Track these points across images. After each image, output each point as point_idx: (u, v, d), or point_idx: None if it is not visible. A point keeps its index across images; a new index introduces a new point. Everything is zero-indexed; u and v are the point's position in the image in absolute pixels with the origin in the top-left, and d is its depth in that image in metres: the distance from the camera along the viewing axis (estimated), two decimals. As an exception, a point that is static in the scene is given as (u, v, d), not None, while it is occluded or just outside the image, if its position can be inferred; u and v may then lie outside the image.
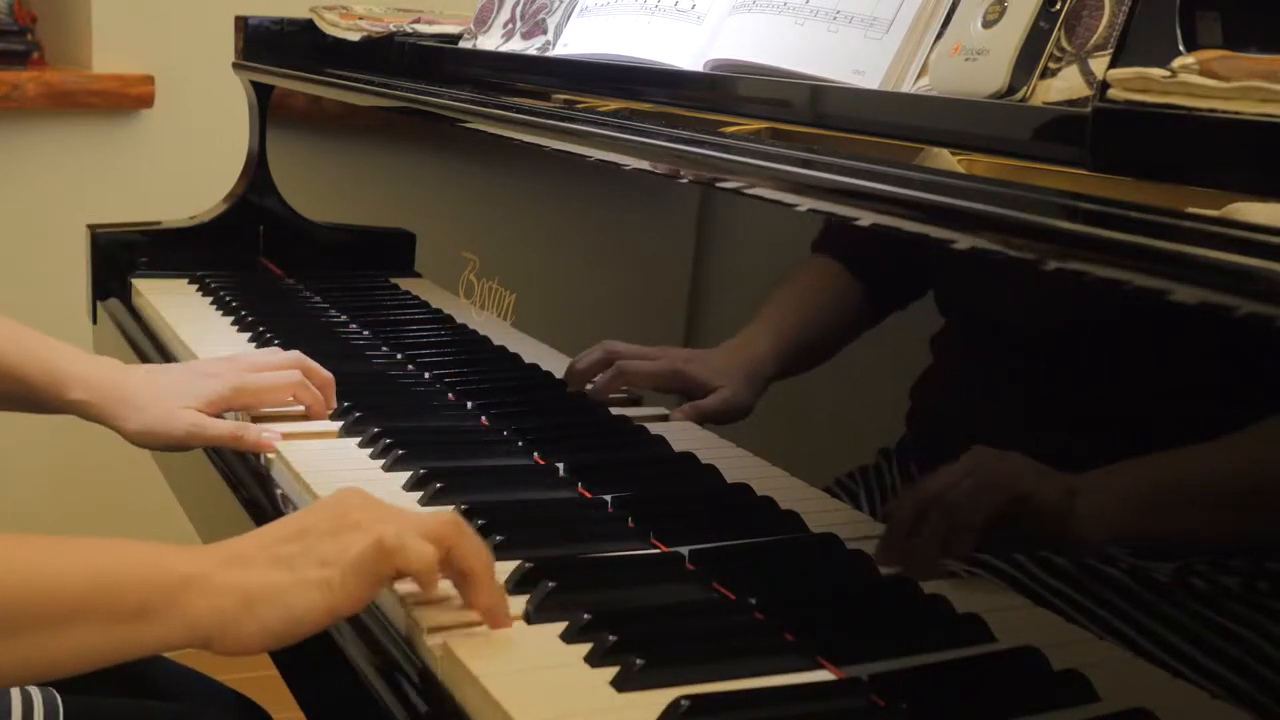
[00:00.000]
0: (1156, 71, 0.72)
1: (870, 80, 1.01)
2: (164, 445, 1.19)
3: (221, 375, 1.20)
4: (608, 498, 1.04)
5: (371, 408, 1.23)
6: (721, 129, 1.03)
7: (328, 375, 1.24)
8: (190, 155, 2.42)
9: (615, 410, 1.11)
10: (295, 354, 1.25)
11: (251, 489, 1.13)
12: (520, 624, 0.84)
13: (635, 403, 1.09)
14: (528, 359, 1.26)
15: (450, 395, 1.31)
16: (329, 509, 0.84)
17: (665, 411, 1.05)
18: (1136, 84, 0.73)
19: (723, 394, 0.98)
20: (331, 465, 1.12)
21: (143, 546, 0.81)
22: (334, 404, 1.23)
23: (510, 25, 1.53)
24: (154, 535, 0.92)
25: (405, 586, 0.85)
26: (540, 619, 0.85)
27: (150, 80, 2.39)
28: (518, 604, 0.87)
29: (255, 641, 0.79)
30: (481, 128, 1.30)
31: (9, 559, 0.76)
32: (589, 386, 1.13)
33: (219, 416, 1.19)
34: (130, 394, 1.17)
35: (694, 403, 1.01)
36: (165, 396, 1.17)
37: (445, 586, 0.84)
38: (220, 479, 1.17)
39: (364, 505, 0.84)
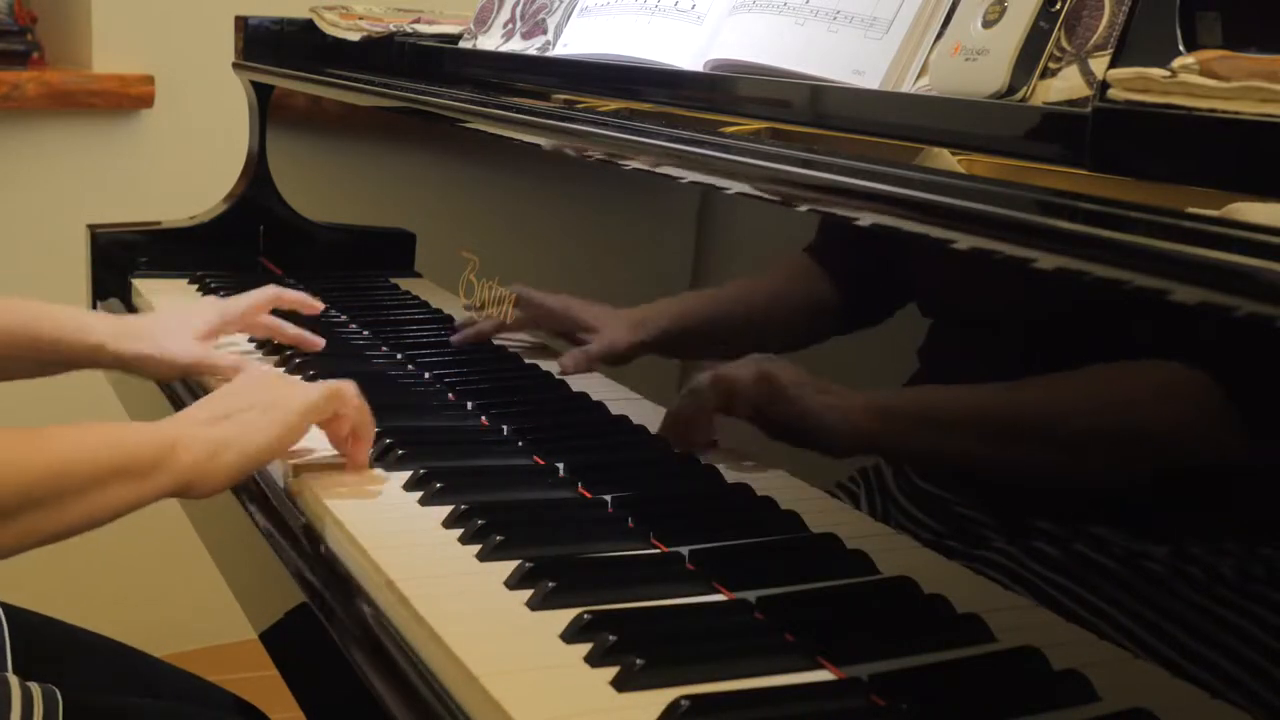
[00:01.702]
0: (1156, 71, 0.72)
1: (870, 80, 1.01)
2: (176, 374, 1.35)
3: (208, 307, 1.41)
4: (608, 498, 1.04)
5: (371, 408, 1.22)
6: (721, 129, 1.03)
7: (299, 294, 1.43)
8: (190, 155, 2.42)
9: (615, 410, 1.11)
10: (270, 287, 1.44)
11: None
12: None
13: (633, 399, 1.09)
14: (528, 359, 1.26)
15: (450, 395, 1.31)
16: (254, 382, 1.10)
17: (664, 410, 1.05)
18: (1136, 84, 0.73)
19: (603, 337, 1.11)
20: (330, 463, 1.12)
21: (132, 424, 1.11)
22: (319, 343, 1.41)
23: (510, 25, 1.53)
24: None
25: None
26: (539, 618, 0.85)
27: (150, 80, 2.39)
28: (518, 600, 0.87)
29: (224, 480, 1.02)
30: (481, 128, 1.30)
31: (66, 441, 0.96)
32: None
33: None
34: (144, 331, 1.34)
35: (581, 349, 1.13)
36: (174, 330, 1.34)
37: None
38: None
39: (278, 381, 1.12)
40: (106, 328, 1.32)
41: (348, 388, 1.10)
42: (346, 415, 1.09)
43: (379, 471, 1.10)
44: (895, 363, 0.85)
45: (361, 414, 1.10)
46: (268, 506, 1.10)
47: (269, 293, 1.42)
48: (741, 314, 1.00)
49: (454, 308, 1.41)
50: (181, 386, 1.38)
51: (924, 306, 0.84)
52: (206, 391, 1.29)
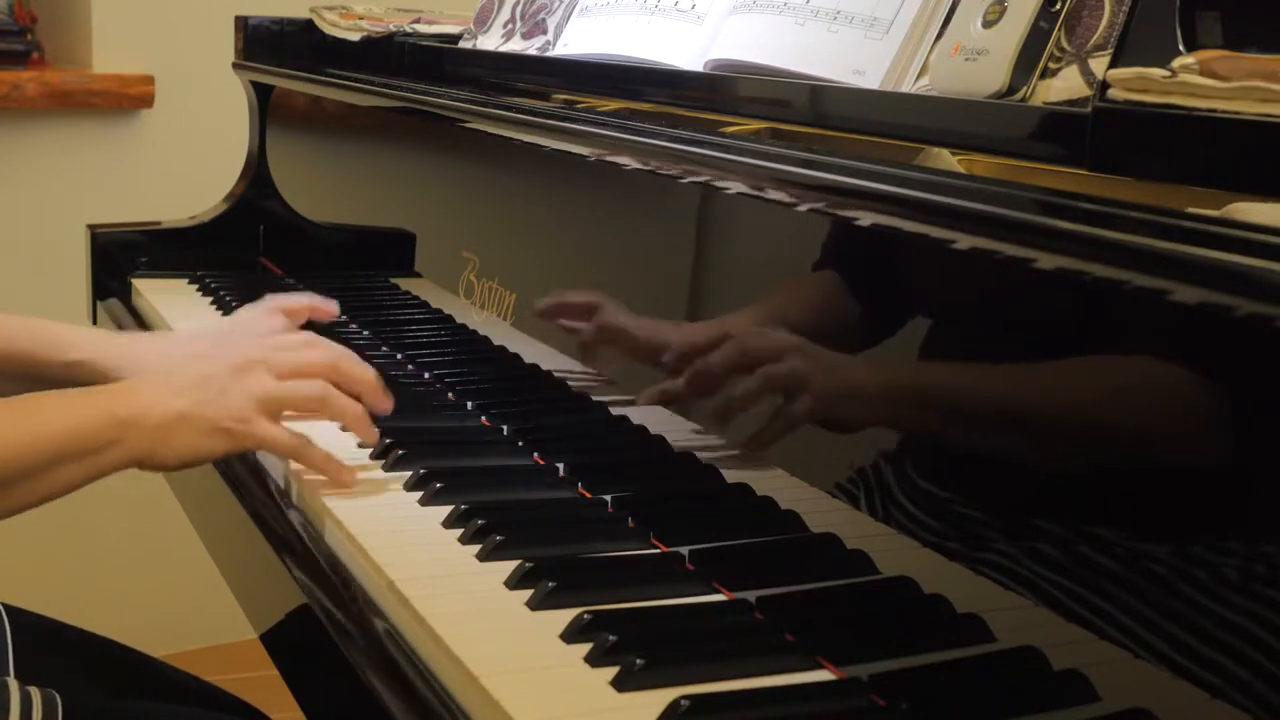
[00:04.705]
0: (1156, 71, 0.72)
1: (870, 80, 1.01)
2: None
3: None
4: (608, 498, 1.04)
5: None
6: (721, 129, 1.03)
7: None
8: (190, 155, 2.42)
9: (615, 411, 1.11)
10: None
11: (244, 477, 1.14)
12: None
13: (633, 403, 1.09)
14: (528, 359, 1.26)
15: (450, 395, 1.31)
16: (233, 350, 1.08)
17: (662, 410, 1.05)
18: (1136, 84, 0.73)
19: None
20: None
21: (88, 397, 1.03)
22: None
23: (510, 25, 1.53)
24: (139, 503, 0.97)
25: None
26: (539, 618, 0.85)
27: (150, 80, 2.39)
28: (518, 600, 0.87)
29: (177, 459, 1.02)
30: (481, 128, 1.30)
31: (17, 423, 0.96)
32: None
33: None
34: (135, 353, 1.18)
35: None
36: (170, 359, 1.16)
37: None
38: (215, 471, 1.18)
39: (250, 347, 1.09)
40: (92, 343, 1.19)
41: (331, 388, 1.09)
42: (336, 405, 1.09)
43: (379, 471, 1.10)
44: (899, 358, 0.85)
45: (362, 385, 1.11)
46: (266, 504, 1.10)
47: (269, 307, 1.30)
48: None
49: (454, 308, 1.41)
50: None
51: (925, 304, 0.84)
52: None
